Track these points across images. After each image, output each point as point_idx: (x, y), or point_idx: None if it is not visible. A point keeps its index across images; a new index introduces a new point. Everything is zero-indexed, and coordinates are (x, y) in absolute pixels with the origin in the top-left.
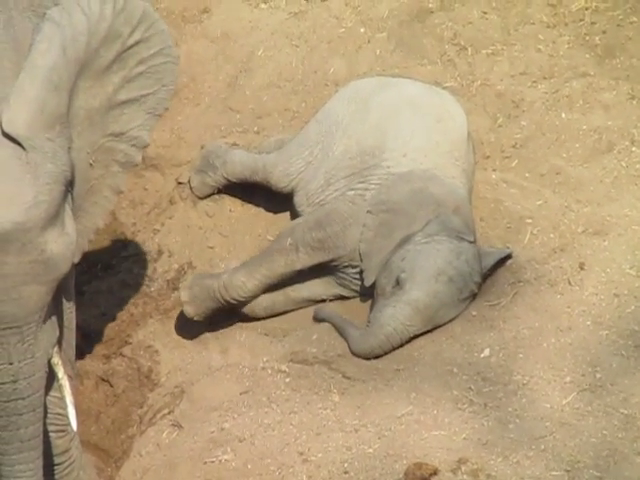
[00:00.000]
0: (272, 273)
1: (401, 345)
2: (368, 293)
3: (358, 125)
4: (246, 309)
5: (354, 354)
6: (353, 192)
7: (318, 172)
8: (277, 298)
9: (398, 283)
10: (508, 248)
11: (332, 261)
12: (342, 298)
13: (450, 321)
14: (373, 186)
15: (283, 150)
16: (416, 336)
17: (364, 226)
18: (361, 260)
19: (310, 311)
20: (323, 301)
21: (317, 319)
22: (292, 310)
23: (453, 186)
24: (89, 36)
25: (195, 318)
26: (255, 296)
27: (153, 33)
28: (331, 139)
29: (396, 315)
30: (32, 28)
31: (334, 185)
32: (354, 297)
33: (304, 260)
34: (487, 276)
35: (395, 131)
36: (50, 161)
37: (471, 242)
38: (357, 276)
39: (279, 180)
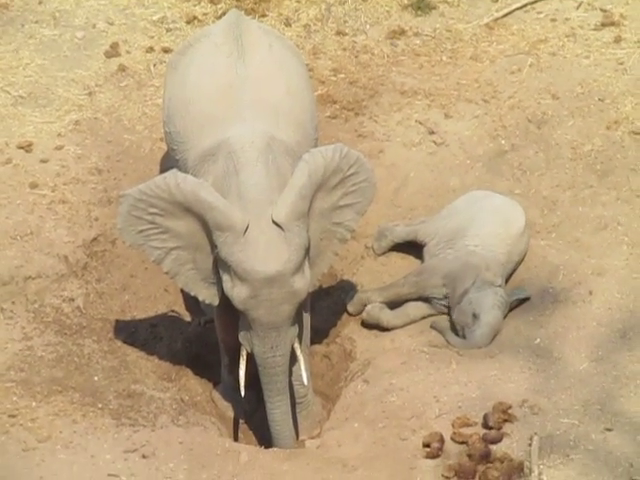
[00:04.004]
0: (388, 298)
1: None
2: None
3: (462, 214)
4: (394, 322)
5: (454, 347)
6: (443, 254)
7: (438, 236)
8: (414, 313)
9: (474, 316)
10: (526, 291)
11: (424, 294)
12: (439, 314)
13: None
14: (454, 252)
15: (426, 223)
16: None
17: (444, 285)
18: (446, 299)
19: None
20: (432, 315)
21: (432, 327)
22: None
23: (484, 255)
24: (324, 170)
25: (354, 313)
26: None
27: (362, 169)
28: (449, 219)
29: (483, 335)
30: (288, 164)
31: (441, 245)
32: (442, 313)
33: (407, 293)
34: (515, 306)
35: (477, 223)
36: (297, 237)
37: (499, 285)
38: (441, 302)
39: (420, 239)
